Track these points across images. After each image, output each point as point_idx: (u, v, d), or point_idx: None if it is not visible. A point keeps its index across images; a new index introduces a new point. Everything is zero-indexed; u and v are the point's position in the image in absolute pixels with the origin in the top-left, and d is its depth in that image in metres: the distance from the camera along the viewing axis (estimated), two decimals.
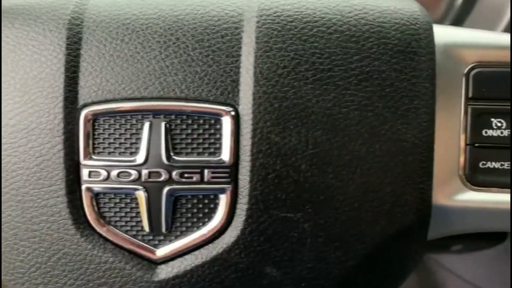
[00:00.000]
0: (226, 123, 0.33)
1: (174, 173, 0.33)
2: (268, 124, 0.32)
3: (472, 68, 0.35)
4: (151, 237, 0.34)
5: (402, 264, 0.35)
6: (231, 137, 0.33)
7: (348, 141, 0.33)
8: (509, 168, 0.35)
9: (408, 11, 0.35)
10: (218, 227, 0.33)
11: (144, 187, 0.33)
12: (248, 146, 0.32)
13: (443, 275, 0.96)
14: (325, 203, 0.33)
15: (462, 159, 0.35)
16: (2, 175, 0.34)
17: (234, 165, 0.33)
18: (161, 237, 0.34)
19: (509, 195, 0.35)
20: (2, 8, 0.36)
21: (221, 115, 0.33)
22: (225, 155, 0.33)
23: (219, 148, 0.33)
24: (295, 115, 0.32)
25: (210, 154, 0.33)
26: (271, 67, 0.33)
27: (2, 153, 0.34)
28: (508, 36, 0.36)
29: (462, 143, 0.35)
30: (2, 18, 0.35)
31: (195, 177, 0.33)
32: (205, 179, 0.33)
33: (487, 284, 0.91)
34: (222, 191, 0.33)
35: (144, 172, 0.33)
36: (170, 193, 0.33)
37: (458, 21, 0.75)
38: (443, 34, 0.35)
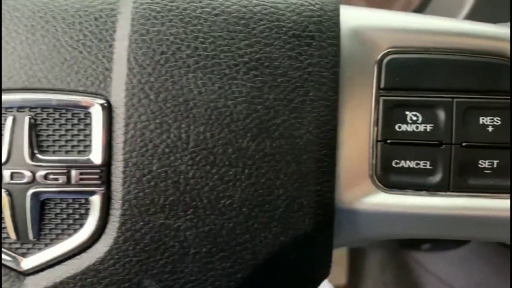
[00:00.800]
0: (97, 117, 0.29)
1: (38, 174, 0.29)
2: (142, 118, 0.28)
3: (385, 55, 0.31)
4: (18, 245, 0.30)
5: (306, 273, 0.32)
6: (102, 134, 0.29)
7: (235, 137, 0.29)
8: (425, 167, 0.31)
9: None
10: (90, 234, 0.29)
11: (7, 190, 0.29)
12: (120, 143, 0.29)
13: (420, 273, 0.94)
14: (209, 208, 0.29)
15: (373, 157, 0.31)
16: None
17: (106, 165, 0.29)
18: (29, 245, 0.30)
19: (426, 198, 0.31)
20: None
21: (90, 108, 0.29)
22: (96, 154, 0.29)
23: (89, 146, 0.29)
24: (174, 108, 0.28)
25: (80, 152, 0.29)
26: (147, 53, 0.29)
27: None
28: (425, 18, 0.32)
29: (373, 140, 0.31)
30: None
31: (62, 179, 0.29)
32: (73, 181, 0.29)
33: (460, 283, 0.88)
34: (93, 194, 0.29)
35: (6, 172, 0.29)
36: (35, 196, 0.29)
37: (419, 10, 0.70)
38: (352, 16, 0.31)
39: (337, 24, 0.30)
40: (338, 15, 0.30)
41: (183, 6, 0.29)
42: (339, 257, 1.00)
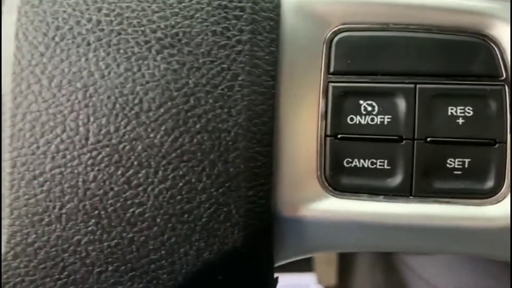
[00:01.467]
0: None
1: None
2: (33, 108, 0.23)
3: (335, 33, 0.26)
4: None
5: None
6: None
7: (146, 131, 0.23)
8: (383, 168, 0.26)
9: None
10: None
11: None
12: (7, 138, 0.23)
13: (408, 275, 0.89)
14: (115, 218, 0.24)
15: (321, 155, 0.26)
16: None
17: None
18: None
19: (384, 204, 0.26)
20: None
21: None
22: None
23: None
24: (71, 95, 0.23)
25: None
26: (39, 27, 0.23)
27: None
28: None
29: (321, 134, 0.26)
30: None
31: None
32: None
33: (447, 286, 0.83)
34: None
35: None
36: None
37: None
38: None
39: None
40: None
41: None
42: (330, 257, 0.95)
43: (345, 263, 0.99)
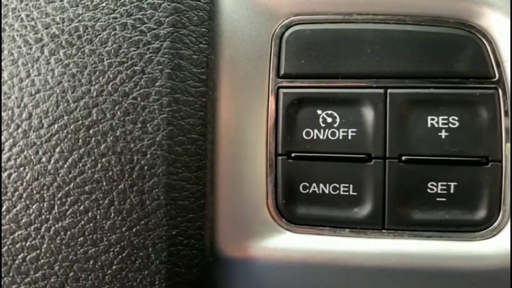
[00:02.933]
0: None
1: None
2: None
3: (286, 26, 0.21)
4: None
5: None
6: None
7: (35, 154, 0.18)
8: (347, 194, 0.20)
9: None
10: None
11: None
12: None
13: None
14: (2, 266, 0.18)
15: (271, 179, 0.20)
16: None
17: None
18: None
19: (350, 240, 0.20)
20: None
21: None
22: None
23: None
24: None
25: None
26: None
27: None
28: None
29: (271, 153, 0.20)
30: None
31: None
32: None
33: None
34: None
35: None
36: None
37: None
38: None
39: None
40: None
41: None
42: None
43: None
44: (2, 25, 0.18)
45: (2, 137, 0.18)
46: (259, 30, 0.21)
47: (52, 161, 0.18)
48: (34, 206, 0.18)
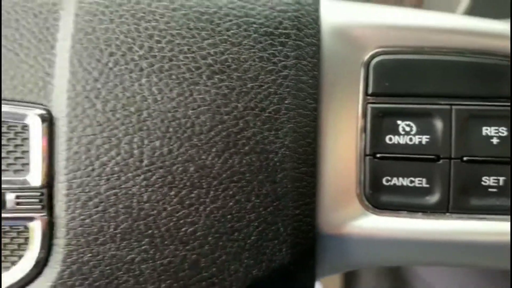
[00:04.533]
0: (35, 131, 0.25)
1: None
2: (88, 132, 0.24)
3: (373, 56, 0.27)
4: None
5: None
6: (42, 150, 0.25)
7: (197, 153, 0.24)
8: (421, 186, 0.27)
9: None
10: (31, 268, 0.25)
11: None
12: (63, 161, 0.24)
13: (415, 283, 0.90)
14: (168, 237, 0.25)
15: (360, 174, 0.27)
16: None
17: (47, 186, 0.25)
18: None
19: (423, 221, 0.27)
20: None
21: (28, 120, 0.25)
22: (35, 173, 0.25)
23: (27, 164, 0.25)
24: (125, 119, 0.24)
25: (16, 172, 0.25)
26: (93, 54, 0.24)
27: None
28: (420, 13, 0.28)
29: (361, 154, 0.27)
30: None
31: None
32: (8, 206, 0.25)
33: (442, 285, 0.84)
34: (32, 220, 0.25)
35: None
36: None
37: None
38: (334, 11, 0.27)
39: (316, 20, 0.26)
40: (317, 10, 0.26)
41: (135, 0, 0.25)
42: None
43: (351, 271, 1.00)
44: (171, 56, 0.25)
45: (171, 141, 0.24)
46: (352, 59, 0.27)
47: (209, 158, 0.24)
48: (195, 191, 0.24)
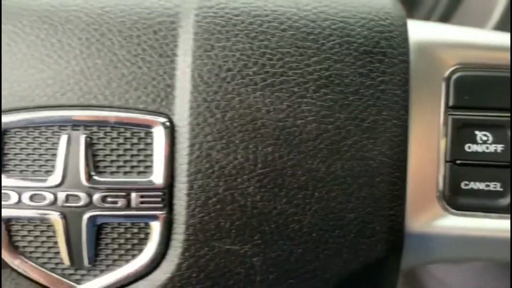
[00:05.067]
0: (158, 137, 0.27)
1: (95, 197, 0.27)
2: (208, 138, 0.27)
3: (453, 72, 0.30)
4: (72, 271, 0.29)
5: None
6: (164, 154, 0.27)
7: (305, 159, 0.27)
8: (496, 189, 0.30)
9: (378, 3, 0.29)
10: (150, 260, 0.28)
11: (61, 213, 0.27)
12: (184, 164, 0.27)
13: (430, 283, 0.93)
14: (277, 233, 0.27)
15: (441, 178, 0.30)
16: None
17: (168, 187, 0.27)
18: (84, 272, 0.28)
19: (496, 221, 0.30)
20: None
21: (152, 127, 0.27)
22: (157, 175, 0.27)
23: (150, 167, 0.28)
24: (241, 127, 0.27)
25: (140, 173, 0.28)
26: (213, 69, 0.27)
27: None
28: (496, 34, 0.31)
29: (441, 160, 0.30)
30: None
31: (121, 202, 0.27)
32: (133, 204, 0.27)
33: (458, 286, 0.87)
34: (154, 218, 0.28)
35: (61, 195, 0.27)
36: (91, 220, 0.27)
37: (445, 17, 0.69)
38: (419, 31, 0.30)
39: (406, 39, 0.29)
40: (406, 30, 0.29)
41: (248, 20, 0.28)
42: None
43: None
44: (282, 72, 0.27)
45: (282, 147, 0.27)
46: (434, 73, 0.30)
47: (315, 163, 0.27)
48: (302, 193, 0.27)
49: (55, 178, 0.27)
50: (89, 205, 0.27)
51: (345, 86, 0.28)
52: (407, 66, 0.28)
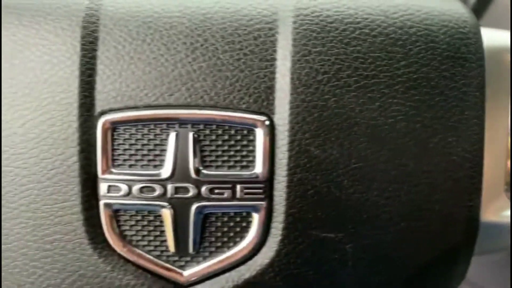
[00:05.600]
0: (260, 134, 0.30)
1: (203, 189, 0.30)
2: (307, 136, 0.30)
3: None
4: (176, 258, 0.31)
5: (444, 285, 0.33)
6: (265, 149, 0.30)
7: (395, 155, 0.30)
8: None
9: (456, 12, 0.32)
10: (251, 247, 0.30)
11: (170, 204, 0.30)
12: (284, 159, 0.30)
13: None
14: (369, 222, 0.30)
15: (508, 172, 0.32)
16: (11, 189, 0.30)
17: (269, 180, 0.30)
18: (188, 258, 0.31)
19: None
20: (8, 3, 0.33)
21: (254, 125, 0.30)
22: (259, 169, 0.30)
23: (253, 161, 0.30)
24: (337, 125, 0.30)
25: (243, 167, 0.30)
26: (310, 72, 0.30)
27: (11, 165, 0.30)
28: None
29: (508, 156, 0.32)
30: (8, 14, 0.32)
31: (227, 193, 0.30)
32: (237, 195, 0.30)
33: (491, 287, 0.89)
34: (256, 208, 0.30)
35: (170, 187, 0.30)
36: (199, 211, 0.30)
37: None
38: (490, 37, 0.33)
39: (481, 46, 0.32)
40: (481, 37, 0.32)
41: (342, 27, 0.30)
42: None
43: None
44: (373, 75, 0.30)
45: (374, 144, 0.30)
46: (504, 77, 0.33)
47: (403, 159, 0.30)
48: (392, 186, 0.30)
49: (165, 171, 0.30)
50: (198, 196, 0.30)
51: (431, 88, 0.30)
52: (483, 70, 0.31)
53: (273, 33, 0.31)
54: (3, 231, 0.31)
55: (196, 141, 0.30)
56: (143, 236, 0.31)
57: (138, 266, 0.31)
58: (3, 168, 0.30)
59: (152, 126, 0.30)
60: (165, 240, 0.31)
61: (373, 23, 0.31)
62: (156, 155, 0.30)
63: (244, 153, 0.30)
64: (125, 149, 0.30)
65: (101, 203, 0.30)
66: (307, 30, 0.30)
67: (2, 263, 0.31)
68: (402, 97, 0.30)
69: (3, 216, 0.31)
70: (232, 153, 0.30)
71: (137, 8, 0.32)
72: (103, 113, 0.30)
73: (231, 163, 0.30)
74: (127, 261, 0.31)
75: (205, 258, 0.31)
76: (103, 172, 0.30)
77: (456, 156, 0.30)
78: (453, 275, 0.33)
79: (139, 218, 0.31)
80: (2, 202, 0.30)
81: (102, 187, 0.30)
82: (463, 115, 0.30)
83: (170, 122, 0.30)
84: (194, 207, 0.30)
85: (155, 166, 0.30)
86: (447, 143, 0.30)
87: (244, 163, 0.30)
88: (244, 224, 0.30)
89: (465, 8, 0.33)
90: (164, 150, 0.30)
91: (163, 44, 0.30)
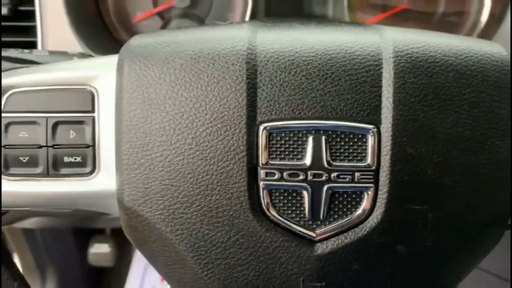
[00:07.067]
0: (371, 138, 0.44)
1: (332, 175, 0.44)
2: (404, 139, 0.44)
3: None
4: (311, 222, 0.45)
5: (488, 244, 0.47)
6: (374, 148, 0.44)
7: (462, 153, 0.44)
8: None
9: (501, 54, 0.46)
10: (363, 215, 0.44)
11: (309, 185, 0.44)
12: (388, 155, 0.44)
13: None
14: (444, 197, 0.44)
15: None
16: (194, 176, 0.44)
17: (377, 169, 0.44)
18: (319, 222, 0.45)
19: None
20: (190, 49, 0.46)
21: (367, 132, 0.44)
22: (370, 162, 0.44)
23: (366, 157, 0.44)
24: (424, 132, 0.44)
25: (358, 160, 0.44)
26: (406, 96, 0.44)
27: (198, 157, 0.44)
28: None
29: None
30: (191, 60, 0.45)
31: (348, 178, 0.44)
32: (355, 180, 0.44)
33: (499, 270, 1.02)
34: (367, 189, 0.44)
35: (309, 173, 0.44)
36: (329, 190, 0.44)
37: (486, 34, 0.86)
38: None
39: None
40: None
41: (427, 65, 0.45)
42: None
43: None
44: (447, 98, 0.44)
45: (445, 148, 0.44)
46: None
47: (468, 157, 0.44)
48: (449, 179, 0.44)
49: (306, 163, 0.44)
50: (328, 180, 0.44)
51: (486, 107, 0.45)
52: None
53: (379, 68, 0.45)
54: (187, 204, 0.44)
55: (327, 142, 0.44)
56: (288, 207, 0.45)
57: (284, 228, 0.45)
58: (194, 161, 0.44)
59: (296, 132, 0.44)
60: (303, 210, 0.45)
61: (447, 62, 0.45)
62: (299, 152, 0.44)
63: (360, 150, 0.44)
64: (277, 147, 0.44)
65: (261, 184, 0.44)
66: (403, 67, 0.44)
67: (184, 227, 0.45)
68: (467, 114, 0.44)
69: (190, 192, 0.44)
70: (351, 150, 0.44)
71: (282, 49, 0.45)
72: (262, 122, 0.44)
73: (351, 157, 0.44)
74: (277, 224, 0.45)
75: (330, 222, 0.45)
76: (263, 163, 0.44)
77: (503, 155, 0.45)
78: (494, 238, 0.47)
79: (285, 194, 0.45)
80: (189, 182, 0.44)
81: (262, 174, 0.44)
82: (507, 126, 0.45)
83: (308, 129, 0.44)
84: (325, 187, 0.44)
85: (298, 159, 0.44)
86: (496, 146, 0.45)
87: (360, 157, 0.44)
88: (358, 199, 0.45)
89: (503, 48, 0.47)
90: (305, 148, 0.44)
91: (303, 76, 0.44)
